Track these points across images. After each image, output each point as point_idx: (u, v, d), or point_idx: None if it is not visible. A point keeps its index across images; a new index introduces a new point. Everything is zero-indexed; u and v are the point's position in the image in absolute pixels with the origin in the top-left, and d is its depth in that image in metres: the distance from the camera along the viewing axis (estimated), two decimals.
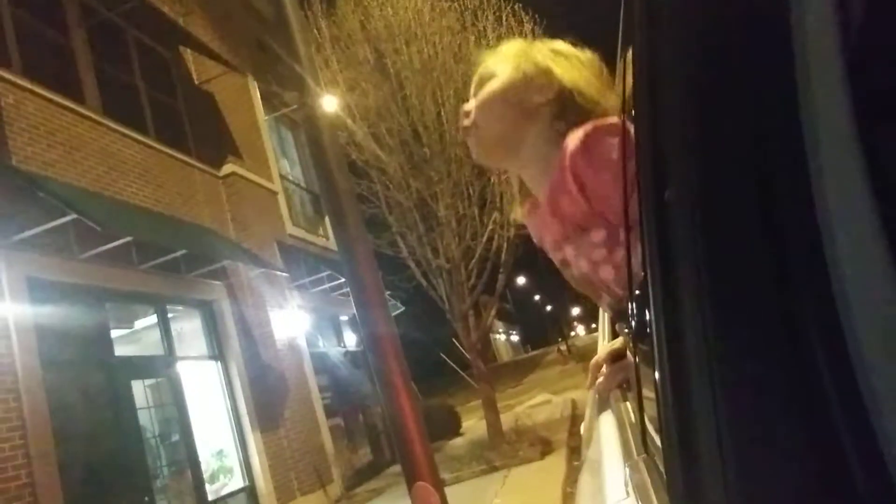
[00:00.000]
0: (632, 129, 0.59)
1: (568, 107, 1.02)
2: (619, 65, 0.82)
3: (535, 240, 1.16)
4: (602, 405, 1.20)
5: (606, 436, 0.96)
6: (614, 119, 0.92)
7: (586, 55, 1.08)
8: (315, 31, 9.70)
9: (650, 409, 0.61)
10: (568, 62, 1.06)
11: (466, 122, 1.11)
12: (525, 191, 1.15)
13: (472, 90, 1.12)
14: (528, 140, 1.06)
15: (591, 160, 0.90)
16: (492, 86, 1.07)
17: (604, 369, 1.15)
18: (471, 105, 1.11)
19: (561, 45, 1.09)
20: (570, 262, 1.05)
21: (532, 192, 1.13)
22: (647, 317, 0.51)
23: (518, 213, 1.18)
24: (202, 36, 9.65)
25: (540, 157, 1.05)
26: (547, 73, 1.05)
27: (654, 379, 0.48)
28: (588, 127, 0.93)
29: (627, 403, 0.95)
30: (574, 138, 0.93)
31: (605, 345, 1.30)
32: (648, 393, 0.62)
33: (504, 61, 1.08)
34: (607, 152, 0.88)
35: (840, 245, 0.34)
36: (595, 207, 0.93)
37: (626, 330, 0.88)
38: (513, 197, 1.22)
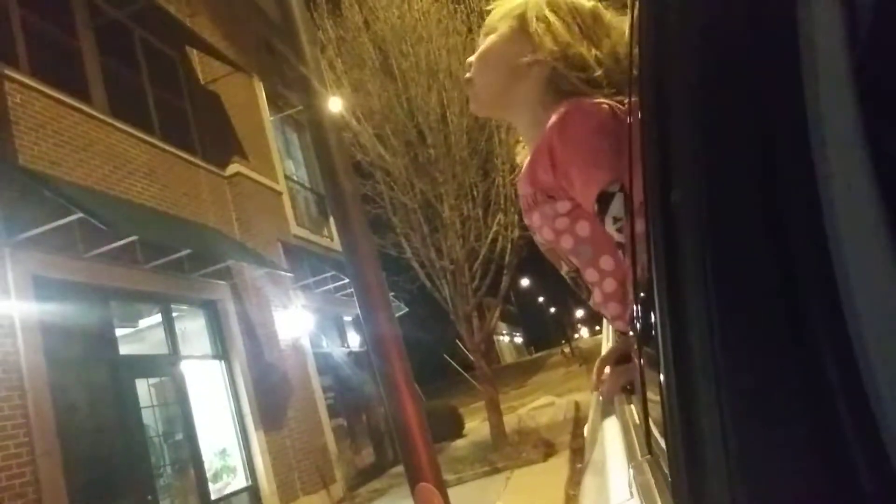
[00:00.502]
0: (637, 126, 0.60)
1: (558, 72, 1.03)
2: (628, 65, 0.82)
3: (521, 202, 1.21)
4: (606, 407, 1.19)
5: (610, 437, 0.96)
6: (599, 99, 0.96)
7: (586, 6, 1.07)
8: (321, 32, 9.71)
9: (654, 411, 0.61)
10: (563, 23, 1.05)
11: (468, 75, 1.15)
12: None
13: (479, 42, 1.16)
14: (519, 98, 1.10)
15: (563, 138, 0.94)
16: (488, 42, 1.11)
17: (607, 371, 1.15)
18: (472, 59, 1.15)
19: (572, 17, 1.07)
20: (535, 229, 1.09)
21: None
22: (652, 319, 0.51)
23: (521, 157, 1.22)
24: (209, 37, 9.68)
25: (534, 120, 1.08)
26: (539, 34, 1.05)
27: (659, 381, 0.48)
28: (571, 105, 0.96)
29: (631, 405, 0.95)
30: (556, 116, 0.97)
31: (609, 347, 1.30)
32: (652, 395, 0.62)
33: (504, 17, 1.10)
34: (580, 134, 0.93)
35: (847, 248, 0.34)
36: (559, 182, 0.97)
37: (631, 333, 0.88)
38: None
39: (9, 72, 6.15)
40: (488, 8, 1.14)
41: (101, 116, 7.33)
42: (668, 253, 0.46)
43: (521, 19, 1.07)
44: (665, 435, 0.49)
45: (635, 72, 0.62)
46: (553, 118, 0.97)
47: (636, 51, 0.61)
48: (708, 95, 0.43)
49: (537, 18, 1.06)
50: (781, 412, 0.36)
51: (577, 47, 1.02)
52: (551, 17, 1.06)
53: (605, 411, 1.17)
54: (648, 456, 0.65)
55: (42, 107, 6.44)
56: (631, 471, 0.69)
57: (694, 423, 0.41)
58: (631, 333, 0.85)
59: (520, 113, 1.12)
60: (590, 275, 1.02)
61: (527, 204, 1.08)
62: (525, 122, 1.12)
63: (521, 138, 1.21)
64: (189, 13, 9.74)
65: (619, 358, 1.11)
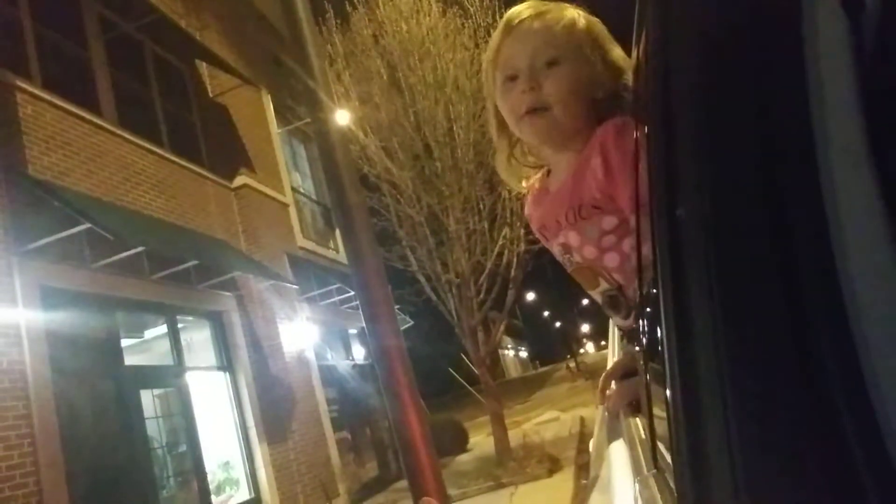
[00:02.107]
0: (644, 142, 0.60)
1: (610, 96, 1.05)
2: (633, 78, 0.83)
3: (534, 225, 1.21)
4: (611, 422, 1.19)
5: (616, 452, 0.96)
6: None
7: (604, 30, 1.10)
8: (329, 46, 9.79)
9: (660, 426, 0.61)
10: (613, 46, 1.08)
11: (536, 104, 1.05)
12: (539, 178, 1.20)
13: (524, 53, 1.06)
14: (581, 123, 1.07)
15: (620, 146, 0.95)
16: (568, 76, 1.04)
17: (613, 386, 1.15)
18: (547, 86, 1.05)
19: (601, 27, 1.10)
20: (571, 248, 1.09)
21: (544, 178, 1.17)
22: (659, 334, 0.51)
23: (515, 183, 1.25)
24: (218, 50, 9.76)
25: (570, 140, 1.08)
26: (612, 69, 1.06)
27: (665, 396, 0.48)
28: (623, 118, 0.98)
29: (637, 420, 0.95)
30: (610, 125, 0.99)
31: (614, 361, 1.30)
32: (658, 410, 0.62)
33: (572, 45, 1.05)
34: (633, 146, 0.93)
35: (854, 262, 0.34)
36: (611, 190, 0.98)
37: (637, 348, 0.88)
38: (513, 172, 1.24)
39: (21, 83, 6.21)
40: (519, 18, 1.08)
41: (111, 128, 7.39)
42: (673, 268, 0.46)
43: (594, 50, 1.06)
44: (671, 450, 0.49)
45: (641, 89, 0.62)
46: (606, 129, 0.99)
47: (643, 68, 0.62)
48: (715, 111, 0.44)
49: (600, 43, 1.07)
50: (788, 428, 0.36)
51: (626, 69, 1.05)
52: (607, 42, 1.08)
53: (611, 426, 1.16)
54: (654, 470, 0.65)
55: (52, 118, 6.49)
56: (637, 485, 0.69)
57: (700, 438, 0.41)
58: (637, 349, 0.84)
59: (569, 140, 1.09)
60: None
61: (566, 222, 1.08)
62: (561, 144, 1.11)
63: (531, 164, 1.21)
64: (199, 26, 9.84)
65: (625, 373, 1.11)
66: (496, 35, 1.13)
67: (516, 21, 1.08)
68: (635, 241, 0.78)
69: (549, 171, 1.19)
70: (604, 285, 1.09)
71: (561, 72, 1.04)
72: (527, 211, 1.24)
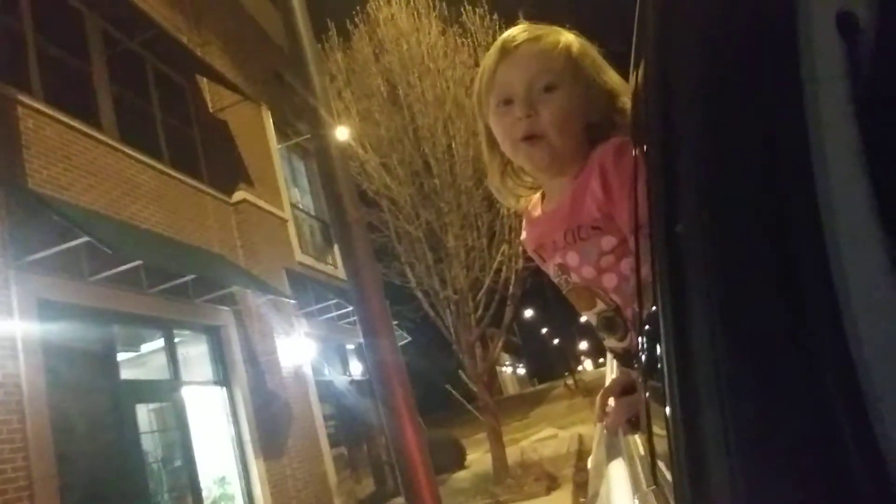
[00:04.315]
0: (643, 160, 0.61)
1: (604, 119, 1.07)
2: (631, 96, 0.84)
3: (530, 246, 1.21)
4: (610, 439, 1.19)
5: (615, 469, 0.96)
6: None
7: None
8: (331, 63, 9.86)
9: (659, 443, 0.61)
10: (609, 75, 1.09)
11: (532, 131, 1.05)
12: (535, 200, 1.20)
13: (521, 78, 1.06)
14: (573, 150, 1.07)
15: (618, 165, 0.97)
16: (564, 102, 1.04)
17: (611, 403, 1.14)
18: (544, 113, 1.05)
19: (595, 51, 1.11)
20: (569, 269, 1.09)
21: (538, 201, 1.18)
22: (658, 352, 0.51)
23: (509, 202, 1.24)
24: (219, 66, 9.82)
25: (567, 162, 1.08)
26: (607, 93, 1.07)
27: (665, 413, 0.48)
28: (620, 139, 0.99)
29: (636, 437, 0.95)
30: (609, 146, 1.00)
31: (612, 379, 1.30)
32: (657, 426, 0.62)
33: (569, 70, 1.06)
34: (632, 166, 0.93)
35: (854, 281, 0.35)
36: (609, 209, 0.99)
37: (636, 365, 0.88)
38: (509, 193, 1.24)
39: (22, 98, 6.24)
40: (515, 43, 1.07)
41: (111, 142, 7.41)
42: (672, 285, 0.46)
43: (590, 75, 1.06)
44: (671, 466, 0.49)
45: (641, 108, 0.63)
46: (604, 148, 1.01)
47: (641, 90, 0.63)
48: (712, 128, 0.44)
49: (595, 67, 1.08)
50: (788, 445, 0.36)
51: (621, 92, 1.06)
52: (602, 65, 1.10)
53: (610, 444, 1.16)
54: (654, 486, 0.65)
55: (53, 132, 6.51)
56: (636, 502, 0.69)
57: (700, 454, 0.41)
58: (636, 366, 0.85)
59: (567, 164, 1.08)
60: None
61: (564, 242, 1.08)
62: (557, 170, 1.10)
63: (526, 184, 1.21)
64: (200, 42, 9.90)
65: (622, 390, 1.11)
66: (490, 58, 1.12)
67: (512, 45, 1.08)
68: (634, 258, 0.78)
69: (542, 194, 1.19)
70: (600, 306, 1.09)
71: (557, 97, 1.04)
72: (523, 235, 1.24)
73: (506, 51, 1.09)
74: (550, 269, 1.16)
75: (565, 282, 1.13)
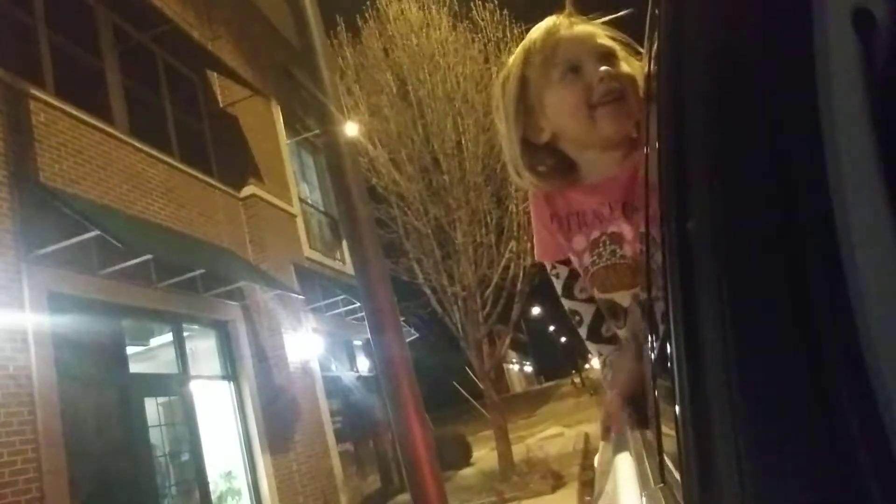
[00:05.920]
0: (653, 155, 0.61)
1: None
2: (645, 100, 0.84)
3: (561, 212, 1.16)
4: (618, 437, 1.19)
5: (622, 466, 0.96)
6: None
7: None
8: (340, 58, 9.87)
9: (667, 440, 0.61)
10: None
11: (612, 87, 1.04)
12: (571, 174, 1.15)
13: (589, 43, 1.07)
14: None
15: None
16: (632, 70, 1.06)
17: (619, 401, 1.14)
18: (620, 72, 1.06)
19: None
20: (623, 240, 1.07)
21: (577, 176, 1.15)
22: (668, 350, 0.51)
23: (530, 182, 1.17)
24: (229, 61, 9.84)
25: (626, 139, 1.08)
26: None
27: (674, 412, 0.48)
28: None
29: (644, 433, 0.95)
30: None
31: (613, 393, 1.29)
32: (666, 424, 0.62)
33: (623, 47, 1.09)
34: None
35: (867, 279, 0.34)
36: None
37: (646, 364, 0.88)
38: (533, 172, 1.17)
39: (35, 92, 6.28)
40: (569, 20, 1.10)
41: (122, 136, 7.44)
42: (683, 284, 0.46)
43: (633, 49, 1.10)
44: (679, 464, 0.49)
45: (653, 100, 0.63)
46: None
47: (653, 81, 0.62)
48: (725, 125, 0.44)
49: (630, 49, 1.10)
50: (797, 443, 0.36)
51: None
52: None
53: (617, 440, 1.16)
54: (662, 485, 0.65)
55: (65, 126, 6.55)
56: (644, 499, 0.69)
57: (709, 452, 0.41)
58: (646, 365, 0.84)
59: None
60: None
61: (620, 213, 1.08)
62: (625, 138, 1.09)
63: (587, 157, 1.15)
64: (211, 37, 9.92)
65: (627, 398, 1.11)
66: (541, 36, 1.10)
67: (569, 22, 1.10)
68: (644, 256, 0.78)
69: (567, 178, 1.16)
70: (633, 307, 1.07)
71: (625, 66, 1.07)
72: (539, 203, 1.19)
73: (565, 26, 1.10)
74: (580, 242, 1.13)
75: (611, 253, 1.09)
